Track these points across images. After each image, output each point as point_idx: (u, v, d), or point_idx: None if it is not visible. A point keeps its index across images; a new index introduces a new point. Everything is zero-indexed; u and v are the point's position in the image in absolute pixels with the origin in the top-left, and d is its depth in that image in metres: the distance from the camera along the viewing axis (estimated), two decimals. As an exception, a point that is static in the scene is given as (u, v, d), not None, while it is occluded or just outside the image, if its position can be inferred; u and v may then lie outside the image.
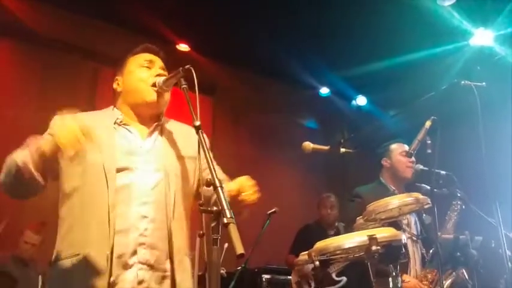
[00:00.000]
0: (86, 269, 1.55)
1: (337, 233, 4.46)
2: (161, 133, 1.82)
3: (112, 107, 1.87)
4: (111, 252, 1.56)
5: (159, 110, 1.84)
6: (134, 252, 1.60)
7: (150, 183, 1.69)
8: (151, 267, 1.62)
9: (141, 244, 1.62)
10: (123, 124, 1.77)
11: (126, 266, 1.58)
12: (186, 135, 1.82)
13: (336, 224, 4.63)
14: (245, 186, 1.63)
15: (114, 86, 1.87)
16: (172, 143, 1.80)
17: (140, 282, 1.59)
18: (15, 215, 4.09)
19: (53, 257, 1.65)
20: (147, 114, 1.81)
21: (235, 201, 1.57)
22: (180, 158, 1.78)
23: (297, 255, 4.35)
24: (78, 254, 1.57)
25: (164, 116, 1.88)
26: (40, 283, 3.90)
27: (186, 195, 1.76)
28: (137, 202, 1.64)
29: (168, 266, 1.64)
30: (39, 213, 4.29)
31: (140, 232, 1.62)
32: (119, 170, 1.65)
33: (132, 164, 1.69)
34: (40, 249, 4.17)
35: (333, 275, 2.92)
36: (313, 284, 3.82)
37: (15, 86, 4.57)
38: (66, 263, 1.59)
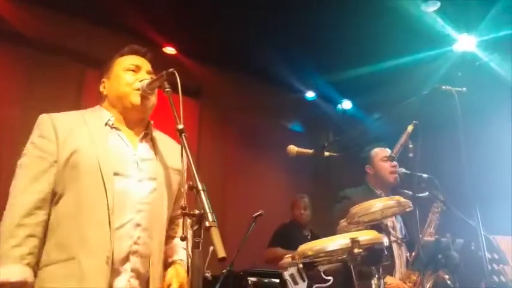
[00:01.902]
0: (83, 272, 1.51)
1: (313, 235, 4.54)
2: (151, 142, 1.82)
3: (98, 106, 1.85)
4: (112, 255, 1.54)
5: (146, 114, 1.84)
6: (126, 259, 1.59)
7: (145, 192, 1.68)
8: (139, 275, 1.62)
9: (134, 252, 1.61)
10: (114, 127, 1.76)
11: (117, 273, 1.57)
12: (171, 147, 1.83)
13: (310, 227, 4.72)
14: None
15: (101, 89, 1.86)
16: (161, 153, 1.80)
17: None
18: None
19: (40, 261, 1.58)
20: (135, 118, 1.81)
21: None
22: (168, 168, 1.78)
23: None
24: (73, 258, 1.53)
25: (150, 123, 1.88)
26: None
27: (170, 206, 1.78)
28: (132, 209, 1.63)
29: (152, 274, 1.65)
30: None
31: (134, 240, 1.62)
32: (114, 174, 1.64)
33: (126, 170, 1.68)
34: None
35: (322, 274, 2.94)
36: (306, 279, 3.84)
37: (1, 88, 4.52)
38: (59, 267, 1.54)
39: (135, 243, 1.62)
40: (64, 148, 1.64)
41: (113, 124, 1.76)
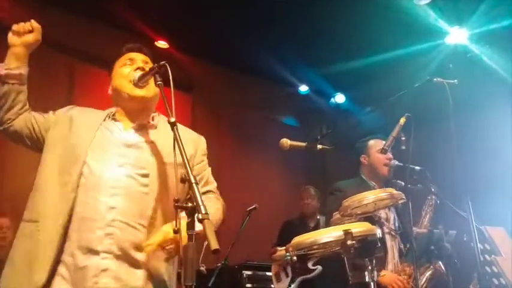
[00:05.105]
0: (39, 238, 1.62)
1: (317, 225, 4.55)
2: (155, 132, 1.84)
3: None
4: (66, 229, 1.62)
5: (145, 104, 1.86)
6: (100, 242, 1.62)
7: (122, 176, 1.70)
8: (117, 257, 1.63)
9: (108, 234, 1.63)
10: (114, 118, 1.84)
11: (92, 253, 1.61)
12: (185, 141, 1.75)
13: (318, 216, 4.71)
14: (166, 240, 1.62)
15: (109, 91, 1.95)
16: (168, 143, 1.73)
17: (105, 270, 1.61)
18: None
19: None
20: (135, 109, 1.85)
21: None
22: (164, 158, 1.78)
23: None
24: (36, 221, 1.66)
25: (159, 114, 1.90)
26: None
27: (168, 192, 1.75)
28: (106, 193, 1.67)
29: (139, 258, 1.66)
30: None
31: (107, 223, 1.64)
32: (92, 158, 1.71)
33: (108, 155, 1.73)
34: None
35: (309, 264, 2.96)
36: (290, 274, 3.87)
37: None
38: (28, 226, 1.68)
39: (109, 225, 1.64)
40: (60, 125, 1.82)
41: (113, 115, 1.85)
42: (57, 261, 1.61)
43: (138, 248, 1.66)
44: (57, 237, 1.62)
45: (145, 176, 1.73)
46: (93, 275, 1.59)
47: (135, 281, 1.64)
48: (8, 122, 1.79)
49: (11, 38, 1.80)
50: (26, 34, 1.80)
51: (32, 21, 1.81)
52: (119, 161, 1.73)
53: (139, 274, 1.66)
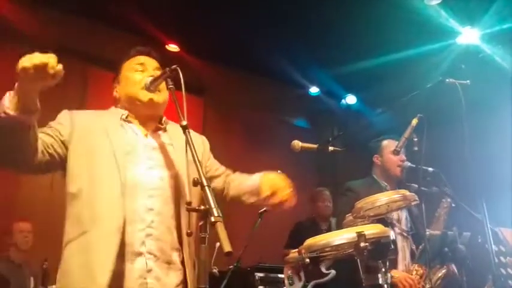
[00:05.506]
0: (93, 248, 1.59)
1: (329, 227, 4.52)
2: (165, 134, 1.87)
3: (113, 107, 1.94)
4: (124, 226, 1.60)
5: (157, 110, 1.88)
6: (143, 243, 1.65)
7: (155, 179, 1.73)
8: (157, 257, 1.66)
9: (148, 235, 1.66)
10: (127, 120, 1.84)
11: (136, 255, 1.63)
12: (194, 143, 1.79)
13: (330, 218, 4.69)
14: (279, 188, 1.79)
15: (114, 94, 1.95)
16: (179, 146, 1.81)
17: (149, 271, 1.64)
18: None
19: (64, 240, 1.68)
20: (146, 115, 1.86)
21: (269, 204, 1.76)
22: (184, 157, 1.74)
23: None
24: (85, 232, 1.62)
25: (166, 118, 1.93)
26: (32, 285, 3.89)
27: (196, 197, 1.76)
28: (143, 195, 1.69)
29: (173, 258, 1.70)
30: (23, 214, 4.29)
31: (147, 224, 1.67)
32: (127, 162, 1.72)
33: (136, 158, 1.74)
34: (32, 250, 4.17)
35: (322, 268, 2.95)
36: (303, 277, 3.85)
37: (4, 88, 4.54)
38: (76, 243, 1.63)
39: (149, 226, 1.67)
40: (79, 134, 1.75)
41: (126, 117, 1.84)
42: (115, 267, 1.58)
43: (173, 248, 1.70)
44: (113, 243, 1.59)
45: (173, 177, 1.76)
46: (138, 276, 1.62)
47: (172, 281, 1.68)
48: (38, 160, 1.65)
49: (27, 82, 1.53)
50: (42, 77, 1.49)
51: (53, 60, 1.49)
52: (149, 164, 1.75)
53: (176, 274, 1.69)
